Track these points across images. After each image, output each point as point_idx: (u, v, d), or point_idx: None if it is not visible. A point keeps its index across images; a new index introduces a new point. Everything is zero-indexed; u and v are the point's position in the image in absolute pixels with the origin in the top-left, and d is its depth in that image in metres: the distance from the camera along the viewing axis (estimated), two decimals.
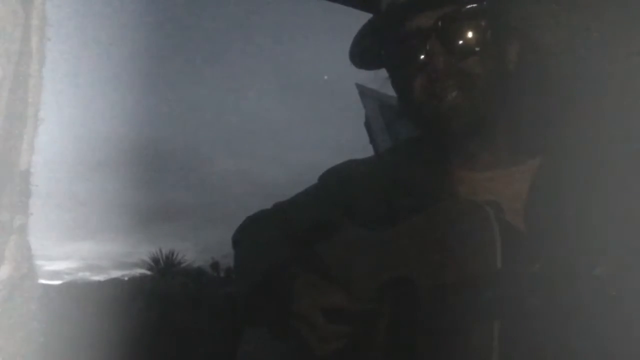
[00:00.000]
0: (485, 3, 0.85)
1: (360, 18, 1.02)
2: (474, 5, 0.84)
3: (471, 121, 0.84)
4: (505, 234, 0.72)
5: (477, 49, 0.84)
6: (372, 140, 2.56)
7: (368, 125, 2.62)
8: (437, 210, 0.81)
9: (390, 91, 0.98)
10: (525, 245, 0.75)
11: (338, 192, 1.02)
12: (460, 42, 0.83)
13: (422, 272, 0.78)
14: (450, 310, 0.73)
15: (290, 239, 0.99)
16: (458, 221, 0.77)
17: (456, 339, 0.72)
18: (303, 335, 0.85)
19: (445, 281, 0.74)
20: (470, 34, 0.84)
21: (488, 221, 0.73)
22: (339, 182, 1.04)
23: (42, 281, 0.44)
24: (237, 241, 1.09)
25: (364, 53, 0.94)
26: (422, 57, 0.84)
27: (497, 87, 0.86)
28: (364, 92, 2.63)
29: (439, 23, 0.83)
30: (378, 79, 0.98)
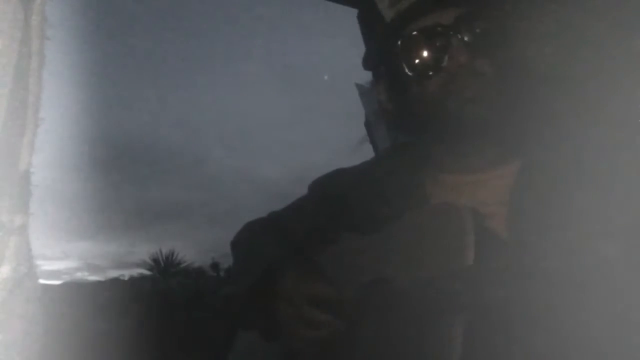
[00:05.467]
0: (505, 6, 0.86)
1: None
2: (495, 6, 0.85)
3: (487, 117, 0.84)
4: (481, 235, 0.74)
5: (494, 49, 0.84)
6: (372, 140, 2.55)
7: (368, 125, 2.61)
8: (414, 214, 0.86)
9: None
10: (503, 250, 0.77)
11: (326, 202, 1.04)
12: (478, 42, 0.84)
13: (401, 271, 0.82)
14: (420, 302, 0.76)
15: (285, 245, 1.00)
16: (433, 221, 0.82)
17: (424, 331, 0.75)
18: (287, 320, 0.85)
19: (420, 276, 0.77)
20: (487, 35, 0.84)
21: (461, 218, 0.76)
22: (326, 192, 1.07)
23: (42, 281, 0.44)
24: (235, 244, 1.12)
25: (376, 54, 0.94)
26: (441, 54, 0.84)
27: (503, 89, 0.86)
28: (364, 92, 2.62)
29: (460, 21, 0.83)
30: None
